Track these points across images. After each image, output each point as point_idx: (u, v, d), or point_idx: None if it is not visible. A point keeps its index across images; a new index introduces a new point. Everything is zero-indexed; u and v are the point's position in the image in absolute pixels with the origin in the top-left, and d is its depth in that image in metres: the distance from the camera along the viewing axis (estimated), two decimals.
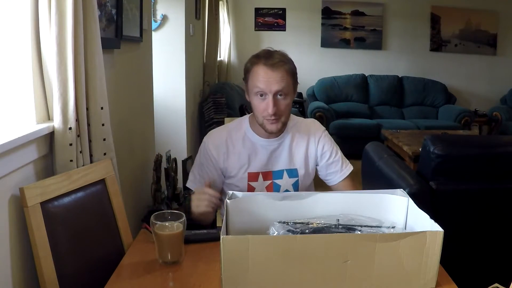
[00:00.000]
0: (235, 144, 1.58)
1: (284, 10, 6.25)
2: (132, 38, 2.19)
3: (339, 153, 1.65)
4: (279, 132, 1.55)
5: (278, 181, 1.59)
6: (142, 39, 2.34)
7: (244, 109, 4.20)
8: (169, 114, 3.43)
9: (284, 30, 6.26)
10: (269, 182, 1.59)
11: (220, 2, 5.19)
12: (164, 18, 3.42)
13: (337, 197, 1.26)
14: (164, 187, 2.42)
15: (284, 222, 1.15)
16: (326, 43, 6.29)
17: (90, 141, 1.45)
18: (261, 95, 1.47)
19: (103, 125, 1.47)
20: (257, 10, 6.26)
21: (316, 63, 6.21)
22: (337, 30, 6.29)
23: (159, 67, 3.20)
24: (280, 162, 1.59)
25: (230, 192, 1.25)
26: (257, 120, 1.53)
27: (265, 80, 1.44)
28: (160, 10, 3.40)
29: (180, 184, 2.59)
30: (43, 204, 1.20)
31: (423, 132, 4.49)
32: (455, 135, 3.89)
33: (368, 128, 5.35)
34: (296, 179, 1.60)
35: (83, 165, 1.40)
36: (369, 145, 2.77)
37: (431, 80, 6.12)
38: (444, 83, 6.12)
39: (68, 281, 1.22)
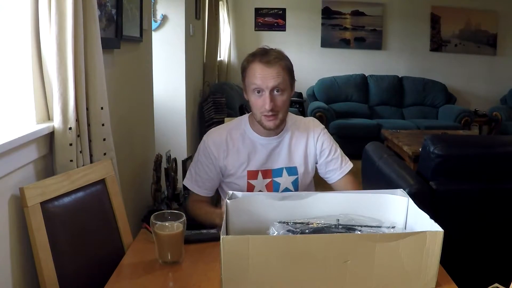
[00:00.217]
0: (235, 142, 1.59)
1: (284, 10, 6.26)
2: (132, 38, 2.19)
3: (339, 150, 1.66)
4: (277, 129, 1.56)
5: (277, 179, 1.60)
6: (142, 39, 2.34)
7: (244, 109, 4.20)
8: (169, 114, 3.43)
9: (284, 30, 6.26)
10: (268, 180, 1.59)
11: (220, 2, 5.19)
12: (164, 18, 3.42)
13: (337, 197, 1.26)
14: (164, 187, 2.42)
15: (284, 222, 1.15)
16: (326, 43, 6.29)
17: (90, 141, 1.45)
18: (258, 92, 1.49)
19: (103, 125, 1.47)
20: (257, 10, 6.26)
21: (316, 63, 6.21)
22: (337, 30, 6.29)
23: (159, 67, 3.20)
24: (279, 160, 1.60)
25: (230, 192, 1.25)
26: (255, 117, 1.55)
27: (261, 76, 1.46)
28: (160, 10, 3.40)
29: (180, 184, 2.59)
30: (43, 204, 1.20)
31: (423, 132, 4.49)
32: (455, 135, 3.89)
33: (368, 128, 5.35)
34: (295, 177, 1.61)
35: (83, 165, 1.40)
36: (369, 145, 2.77)
37: (431, 80, 6.12)
38: (444, 83, 6.11)
39: (68, 281, 1.21)
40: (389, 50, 6.33)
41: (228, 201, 1.19)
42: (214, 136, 1.61)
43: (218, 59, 5.31)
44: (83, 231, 1.32)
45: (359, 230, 1.14)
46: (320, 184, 1.70)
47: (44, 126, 1.30)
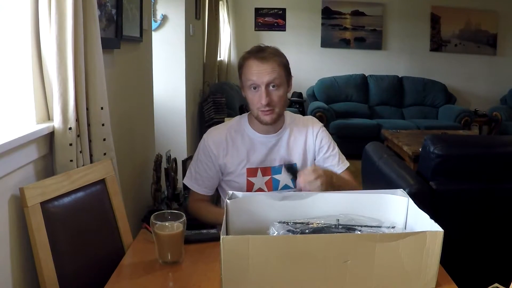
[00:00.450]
0: (235, 140, 1.61)
1: (284, 10, 6.26)
2: (132, 38, 2.19)
3: (336, 148, 1.68)
4: (274, 124, 1.58)
5: (276, 176, 1.61)
6: (142, 39, 2.34)
7: (244, 109, 4.20)
8: (169, 114, 3.43)
9: (284, 30, 6.26)
10: (268, 177, 1.61)
11: (220, 2, 5.19)
12: (164, 18, 3.42)
13: (337, 197, 1.26)
14: (164, 187, 2.42)
15: (284, 222, 1.15)
16: (326, 43, 6.30)
17: (90, 141, 1.45)
18: (254, 88, 1.51)
19: (103, 125, 1.47)
20: (257, 10, 6.26)
21: (316, 63, 6.21)
22: (337, 30, 6.29)
23: (159, 67, 3.20)
24: (278, 157, 1.61)
25: (230, 192, 1.25)
26: (252, 113, 1.57)
27: (256, 72, 1.49)
28: (160, 10, 3.40)
29: (180, 184, 2.59)
30: (43, 204, 1.20)
31: (423, 132, 4.49)
32: (455, 135, 3.89)
33: (368, 128, 5.35)
34: None
35: (83, 165, 1.40)
36: (369, 145, 2.77)
37: (431, 80, 6.12)
38: (444, 83, 6.12)
39: (68, 281, 1.21)
40: (389, 50, 6.34)
41: (228, 201, 1.19)
42: (213, 135, 1.63)
43: (218, 59, 5.31)
44: (83, 231, 1.32)
45: (359, 230, 1.14)
46: None
47: (44, 126, 1.29)
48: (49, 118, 1.36)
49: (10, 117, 1.31)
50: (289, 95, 1.61)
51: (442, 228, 1.05)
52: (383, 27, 6.27)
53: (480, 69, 6.30)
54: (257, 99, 1.51)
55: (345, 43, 6.32)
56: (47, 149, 1.35)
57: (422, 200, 1.57)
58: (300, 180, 1.38)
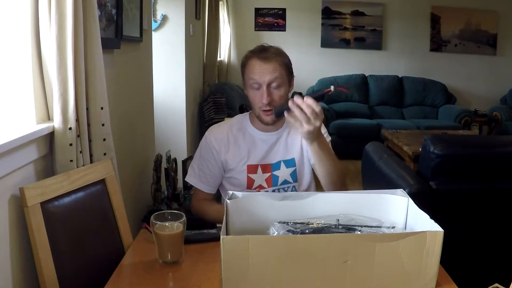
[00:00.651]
0: (236, 138, 1.63)
1: (284, 10, 6.26)
2: (132, 38, 2.19)
3: (329, 139, 1.65)
4: (275, 124, 1.60)
5: (276, 173, 1.63)
6: (142, 39, 2.34)
7: (244, 109, 4.20)
8: (169, 114, 3.43)
9: (284, 30, 6.26)
10: (268, 174, 1.62)
11: (220, 2, 5.19)
12: (164, 18, 3.42)
13: (337, 197, 1.26)
14: (164, 187, 2.42)
15: (284, 222, 1.15)
16: (326, 43, 6.30)
17: (90, 141, 1.45)
18: (256, 87, 1.53)
19: (103, 125, 1.47)
20: (257, 10, 6.26)
21: (316, 63, 6.21)
22: (337, 30, 6.29)
23: (159, 67, 3.20)
24: (278, 154, 1.63)
25: (230, 192, 1.25)
26: (254, 112, 1.60)
27: (258, 71, 1.51)
28: (160, 10, 3.40)
29: (180, 184, 2.59)
30: (43, 204, 1.20)
31: (423, 132, 4.50)
32: (455, 135, 3.89)
33: (368, 128, 5.35)
34: (293, 168, 1.63)
35: (83, 165, 1.40)
36: (369, 145, 2.77)
37: (431, 80, 6.12)
38: (444, 83, 6.12)
39: (68, 281, 1.21)
40: (389, 50, 6.34)
41: (228, 201, 1.19)
42: (215, 132, 1.65)
43: (218, 59, 5.31)
44: (83, 231, 1.32)
45: (359, 230, 1.14)
46: (320, 184, 1.70)
47: (44, 126, 1.30)
48: (49, 118, 1.36)
49: (10, 117, 1.31)
50: (290, 95, 1.61)
51: (442, 228, 1.05)
52: (383, 27, 6.27)
53: (480, 69, 6.30)
54: (258, 98, 1.53)
55: (345, 43, 6.32)
56: (47, 149, 1.35)
57: (422, 200, 1.57)
58: (309, 101, 1.28)
